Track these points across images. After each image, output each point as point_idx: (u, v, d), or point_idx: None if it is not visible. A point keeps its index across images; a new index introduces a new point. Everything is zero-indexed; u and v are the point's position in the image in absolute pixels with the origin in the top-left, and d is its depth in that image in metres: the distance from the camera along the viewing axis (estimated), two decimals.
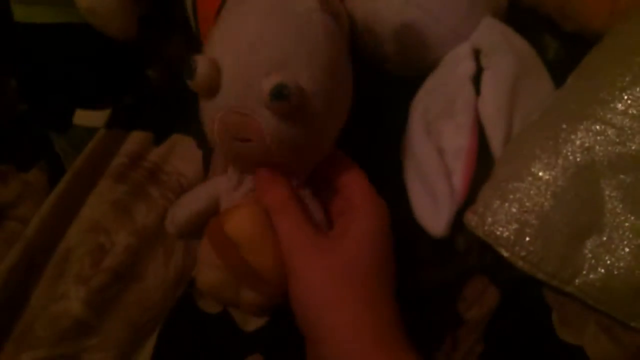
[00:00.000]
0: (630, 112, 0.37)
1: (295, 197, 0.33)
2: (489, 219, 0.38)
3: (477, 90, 0.43)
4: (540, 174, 0.38)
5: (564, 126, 0.38)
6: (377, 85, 0.50)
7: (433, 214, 0.40)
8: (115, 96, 0.47)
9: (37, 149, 0.45)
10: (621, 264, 0.36)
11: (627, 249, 0.36)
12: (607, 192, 0.37)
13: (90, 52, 0.46)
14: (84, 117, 0.46)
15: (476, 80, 0.43)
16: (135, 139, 0.45)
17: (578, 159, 0.38)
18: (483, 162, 0.42)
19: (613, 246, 0.36)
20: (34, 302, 0.37)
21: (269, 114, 0.29)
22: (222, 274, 0.33)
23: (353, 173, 0.35)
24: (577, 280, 0.37)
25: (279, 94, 0.27)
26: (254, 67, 0.29)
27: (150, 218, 0.40)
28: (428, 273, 0.41)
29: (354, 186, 0.35)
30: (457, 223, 0.40)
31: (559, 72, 0.44)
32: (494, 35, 0.43)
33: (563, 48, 0.49)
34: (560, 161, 0.38)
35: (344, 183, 0.35)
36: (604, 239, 0.36)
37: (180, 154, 0.44)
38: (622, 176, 0.37)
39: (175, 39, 0.51)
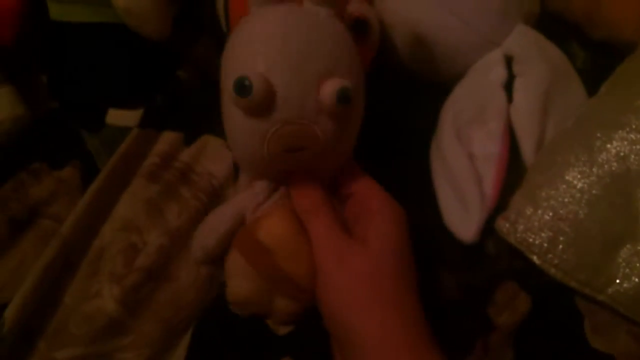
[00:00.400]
0: None
1: (328, 201, 0.34)
2: (522, 226, 0.39)
3: (509, 98, 0.43)
4: (575, 182, 0.38)
5: (599, 134, 0.39)
6: (403, 90, 0.50)
7: (463, 219, 0.40)
8: (148, 96, 0.47)
9: (69, 147, 0.45)
10: None
11: None
12: None
13: (124, 52, 0.46)
14: (116, 117, 0.46)
15: (507, 87, 0.44)
16: (166, 139, 0.45)
17: (613, 168, 0.38)
18: (512, 168, 0.42)
19: None
20: (68, 300, 0.37)
21: (327, 119, 0.30)
22: (254, 284, 0.33)
23: (365, 180, 0.36)
24: (609, 289, 0.37)
25: (344, 97, 0.28)
26: (308, 76, 0.29)
27: (182, 219, 0.41)
28: (458, 277, 0.41)
29: (369, 192, 0.35)
30: (487, 228, 0.40)
31: (587, 81, 0.44)
32: (527, 43, 0.43)
33: (591, 58, 0.49)
34: (595, 169, 0.38)
35: (356, 189, 0.35)
36: (639, 248, 0.36)
37: (211, 155, 0.45)
38: None
39: (205, 40, 0.51)
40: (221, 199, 0.43)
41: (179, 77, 0.49)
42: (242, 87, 0.27)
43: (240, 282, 0.34)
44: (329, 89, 0.28)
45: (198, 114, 0.46)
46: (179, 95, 0.48)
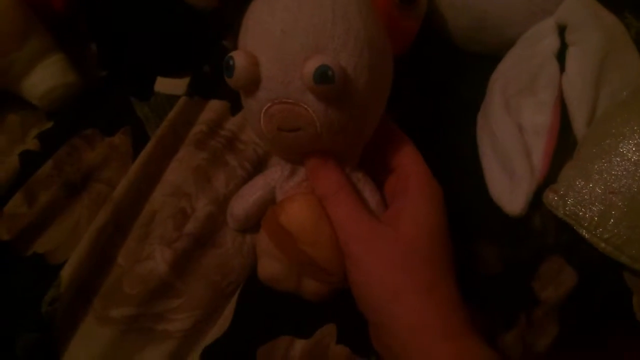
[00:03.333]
0: None
1: (348, 183, 0.33)
2: (571, 199, 0.38)
3: (561, 67, 0.42)
4: (630, 154, 0.37)
5: None
6: (450, 61, 0.50)
7: (511, 192, 0.39)
8: (195, 65, 0.47)
9: (120, 114, 0.46)
10: None
11: None
12: None
13: (172, 21, 0.47)
14: (165, 85, 0.46)
15: (559, 56, 0.42)
16: (213, 108, 0.45)
17: None
18: (561, 141, 0.41)
19: None
20: (121, 261, 0.38)
21: (315, 99, 0.28)
22: (281, 265, 0.33)
23: (408, 152, 0.34)
24: None
25: (324, 76, 0.26)
26: (292, 54, 0.27)
27: (229, 188, 0.41)
28: (502, 251, 0.40)
29: (409, 167, 0.34)
30: (533, 202, 0.39)
31: None
32: (581, 11, 0.42)
33: None
34: None
35: (398, 162, 0.34)
36: None
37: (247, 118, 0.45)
38: None
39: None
40: (265, 168, 0.43)
41: (224, 47, 0.49)
42: (227, 67, 0.28)
43: (268, 261, 0.34)
44: (308, 67, 0.27)
45: None
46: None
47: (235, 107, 0.46)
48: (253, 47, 0.28)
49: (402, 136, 0.35)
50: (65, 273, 0.36)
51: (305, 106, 0.28)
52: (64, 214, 0.41)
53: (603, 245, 0.37)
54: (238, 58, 0.27)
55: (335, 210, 0.32)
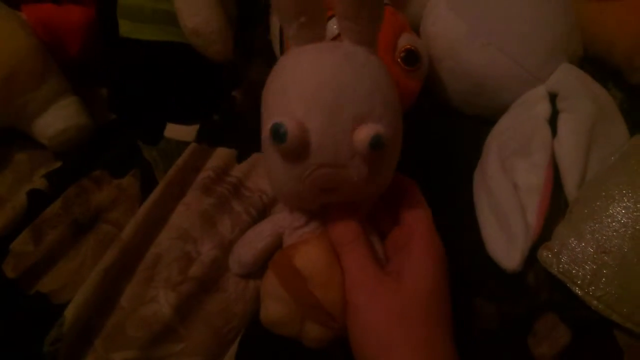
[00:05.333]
0: None
1: (364, 234, 0.34)
2: (565, 257, 0.39)
3: (553, 132, 0.44)
4: (619, 217, 0.39)
5: None
6: (448, 121, 0.52)
7: (507, 248, 0.41)
8: (204, 113, 0.49)
9: (129, 157, 0.47)
10: None
11: None
12: None
13: (186, 70, 0.48)
14: (175, 131, 0.48)
15: (551, 122, 0.45)
16: (220, 155, 0.47)
17: None
18: (553, 201, 0.43)
19: None
20: (125, 303, 0.38)
21: (360, 163, 0.30)
22: (287, 307, 0.34)
23: (416, 209, 0.35)
24: None
25: (377, 144, 0.28)
26: (342, 123, 0.29)
27: (234, 233, 0.42)
28: (498, 306, 0.41)
29: (414, 224, 0.34)
30: (527, 259, 0.40)
31: (625, 121, 0.45)
32: (572, 80, 0.45)
33: (628, 99, 0.51)
34: (639, 205, 0.39)
35: (406, 217, 0.35)
36: None
37: (261, 172, 0.46)
38: None
39: (258, 64, 0.54)
40: (269, 215, 0.44)
41: (234, 98, 0.51)
42: (278, 134, 0.28)
43: (273, 303, 0.35)
44: (363, 135, 0.28)
45: (250, 133, 0.48)
46: (233, 114, 0.50)
47: (241, 154, 0.48)
48: (301, 113, 0.29)
49: (414, 191, 0.37)
50: (69, 313, 0.36)
51: (351, 169, 0.30)
52: (69, 253, 0.41)
53: (595, 302, 0.38)
54: (291, 125, 0.28)
55: (349, 257, 0.33)
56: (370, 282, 0.32)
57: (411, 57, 0.44)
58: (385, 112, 0.30)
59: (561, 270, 0.39)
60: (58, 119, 0.45)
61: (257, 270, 0.40)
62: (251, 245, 0.39)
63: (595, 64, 0.50)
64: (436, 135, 0.51)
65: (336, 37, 0.34)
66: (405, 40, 0.44)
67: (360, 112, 0.29)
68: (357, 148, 0.29)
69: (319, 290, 0.33)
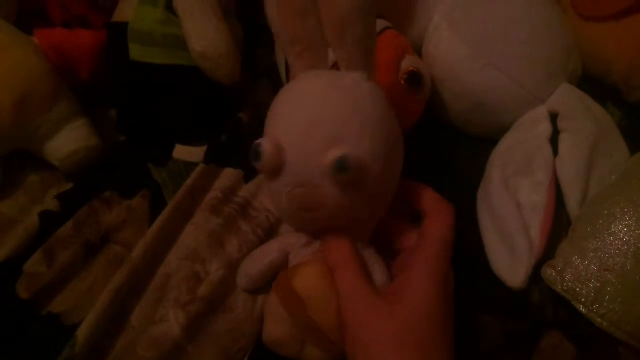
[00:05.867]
0: None
1: (357, 257, 0.34)
2: (569, 275, 0.40)
3: (554, 151, 0.45)
4: (621, 235, 0.40)
5: None
6: (450, 141, 0.53)
7: (512, 266, 0.41)
8: (212, 135, 0.50)
9: (139, 178, 0.48)
10: None
11: None
12: None
13: (194, 93, 0.49)
14: (183, 152, 0.49)
15: (552, 141, 0.46)
16: (228, 175, 0.48)
17: None
18: (557, 218, 0.43)
19: None
20: (136, 323, 0.39)
21: (332, 185, 0.31)
22: (287, 329, 0.34)
23: (432, 221, 0.35)
24: None
25: (341, 167, 0.29)
26: (314, 144, 0.30)
27: (242, 253, 0.42)
28: (503, 324, 0.42)
29: (423, 239, 0.34)
30: (532, 277, 0.41)
31: (625, 139, 0.46)
32: (572, 101, 0.46)
33: (626, 117, 0.52)
34: None
35: (411, 243, 0.36)
36: None
37: (267, 192, 0.47)
38: None
39: (264, 85, 0.55)
40: (276, 235, 0.45)
41: (241, 119, 0.52)
42: (256, 153, 0.30)
43: (274, 324, 0.35)
44: (328, 157, 0.29)
45: None
46: (240, 135, 0.51)
47: (249, 175, 0.48)
48: (279, 134, 0.31)
49: (430, 203, 0.36)
50: (81, 333, 0.37)
51: (323, 191, 0.31)
52: (81, 274, 0.42)
53: (599, 320, 0.39)
54: (266, 146, 0.30)
55: (341, 280, 0.33)
56: (361, 305, 0.32)
57: (414, 79, 0.44)
58: (364, 137, 0.31)
59: (565, 288, 0.40)
60: (69, 141, 0.46)
61: (263, 285, 0.40)
62: (259, 260, 0.39)
63: (594, 83, 0.51)
64: (440, 155, 0.52)
65: (334, 65, 0.36)
66: (408, 62, 0.45)
67: (333, 135, 0.30)
68: (323, 169, 0.30)
69: (317, 314, 0.33)
